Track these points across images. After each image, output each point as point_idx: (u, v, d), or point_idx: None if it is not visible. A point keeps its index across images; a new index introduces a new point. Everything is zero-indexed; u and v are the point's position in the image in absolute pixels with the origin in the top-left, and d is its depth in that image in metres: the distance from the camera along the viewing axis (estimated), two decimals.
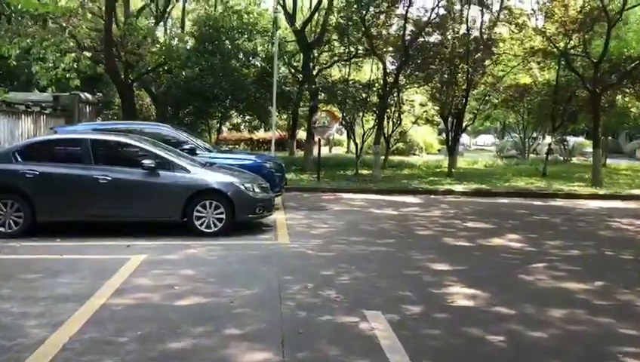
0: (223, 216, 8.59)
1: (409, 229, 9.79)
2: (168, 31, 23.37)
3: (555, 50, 18.26)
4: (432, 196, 15.06)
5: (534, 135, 35.23)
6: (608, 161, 26.61)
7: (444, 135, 41.69)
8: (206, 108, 18.13)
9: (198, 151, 11.01)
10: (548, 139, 32.87)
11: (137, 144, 9.05)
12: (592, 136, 35.26)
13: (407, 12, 17.41)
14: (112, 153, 9.13)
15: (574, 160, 29.04)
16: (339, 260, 7.36)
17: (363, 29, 17.52)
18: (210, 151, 11.46)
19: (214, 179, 8.80)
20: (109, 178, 8.44)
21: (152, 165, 8.53)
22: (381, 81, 20.01)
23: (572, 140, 33.12)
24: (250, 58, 20.70)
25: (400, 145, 26.31)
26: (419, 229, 9.85)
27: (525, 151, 28.42)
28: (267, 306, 5.43)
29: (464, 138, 41.48)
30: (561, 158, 30.02)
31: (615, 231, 10.33)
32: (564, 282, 6.64)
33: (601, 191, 15.99)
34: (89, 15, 14.18)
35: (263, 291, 5.90)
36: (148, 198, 8.61)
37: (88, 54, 13.13)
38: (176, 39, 18.74)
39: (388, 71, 18.01)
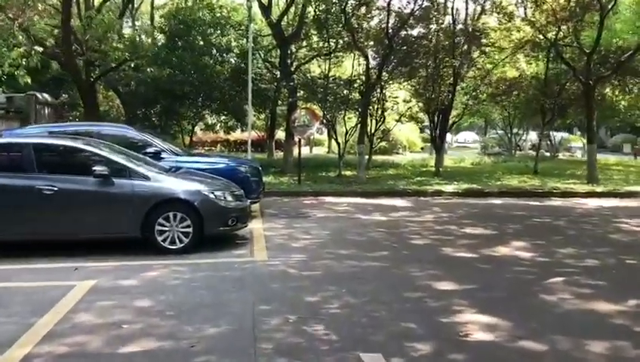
0: (190, 229, 7.42)
1: (402, 238, 8.71)
2: (137, 28, 22.03)
3: (544, 40, 17.39)
4: (422, 198, 14.05)
5: (519, 131, 34.71)
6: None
7: (428, 132, 41.40)
8: (175, 107, 16.81)
9: (163, 155, 9.84)
10: (532, 135, 32.33)
11: (89, 148, 7.83)
12: (578, 131, 34.99)
13: (389, 3, 16.35)
14: (59, 160, 7.90)
15: (561, 156, 28.30)
16: (326, 281, 6.24)
17: (343, 20, 16.43)
18: (178, 154, 10.26)
19: (179, 187, 7.63)
20: (55, 188, 7.21)
21: (105, 172, 7.31)
22: (363, 77, 19.01)
23: (556, 135, 32.57)
24: (224, 54, 19.45)
25: (383, 143, 25.30)
26: (413, 238, 8.79)
27: (512, 147, 27.59)
28: (237, 351, 4.30)
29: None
30: (548, 154, 29.36)
31: (627, 235, 9.38)
32: (592, 302, 5.61)
33: (599, 189, 15.15)
34: (43, 7, 12.84)
35: (233, 328, 4.76)
36: (101, 211, 7.41)
37: (40, 49, 11.79)
38: (143, 34, 17.43)
39: (370, 66, 16.92)
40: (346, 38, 17.35)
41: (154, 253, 7.31)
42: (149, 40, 17.12)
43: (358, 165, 16.14)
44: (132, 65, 16.36)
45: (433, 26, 18.47)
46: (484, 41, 16.87)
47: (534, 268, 6.96)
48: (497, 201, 13.46)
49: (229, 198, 7.77)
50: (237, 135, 31.72)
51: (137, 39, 16.62)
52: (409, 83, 19.70)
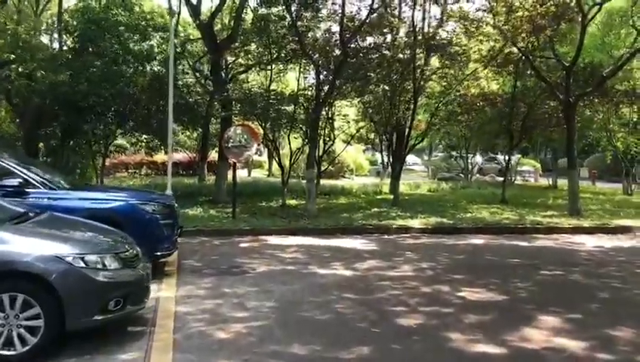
0: (40, 322, 4.37)
1: (383, 315, 5.93)
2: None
3: (515, 52, 15.33)
4: (386, 236, 11.43)
5: (465, 154, 32.98)
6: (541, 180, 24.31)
7: (379, 155, 39.11)
8: (77, 123, 13.40)
9: (29, 190, 6.69)
10: (478, 158, 30.58)
11: None
12: (536, 155, 33.53)
13: (343, 4, 13.77)
14: None
15: (518, 180, 26.52)
16: None
17: (289, 23, 13.76)
18: (55, 188, 7.11)
19: (23, 249, 4.53)
20: None
21: None
22: (309, 92, 16.36)
23: (502, 158, 31.03)
24: (145, 62, 16.29)
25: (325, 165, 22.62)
26: (398, 313, 6.00)
27: (467, 172, 25.59)
28: None
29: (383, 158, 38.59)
30: (499, 179, 27.65)
31: None
32: None
33: (585, 223, 13.04)
34: None
35: None
36: None
37: None
38: (35, 32, 14.07)
39: (321, 78, 14.24)
40: (291, 44, 14.64)
41: None
42: (34, 37, 13.72)
43: (306, 194, 13.36)
44: (20, 70, 12.92)
45: (388, 36, 16.17)
46: (449, 49, 14.51)
47: None
48: (478, 241, 11.01)
49: (113, 265, 4.73)
50: (165, 156, 28.37)
51: (24, 35, 13.16)
52: (361, 100, 17.23)
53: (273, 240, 10.71)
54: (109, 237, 5.27)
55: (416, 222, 12.50)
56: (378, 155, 39.53)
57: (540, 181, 28.31)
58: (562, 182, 24.06)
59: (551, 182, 23.55)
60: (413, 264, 8.55)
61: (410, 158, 46.71)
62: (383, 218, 13.00)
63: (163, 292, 6.51)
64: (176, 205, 8.16)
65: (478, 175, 28.67)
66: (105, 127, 14.81)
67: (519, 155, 28.95)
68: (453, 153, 35.00)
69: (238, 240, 10.69)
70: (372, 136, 22.01)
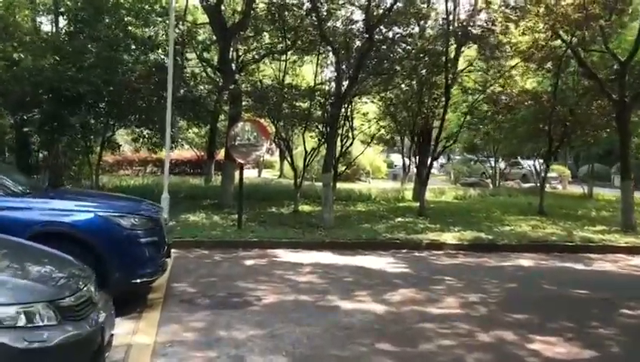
0: None
1: None
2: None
3: (559, 45, 13.61)
4: (417, 253, 9.77)
5: (484, 158, 31.05)
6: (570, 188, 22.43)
7: (395, 157, 37.21)
8: (62, 113, 11.77)
9: None
10: (501, 163, 28.71)
11: None
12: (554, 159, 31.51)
13: None
14: None
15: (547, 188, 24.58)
16: None
17: (307, 7, 12.13)
18: (11, 194, 5.53)
19: None
20: None
21: None
22: (328, 86, 14.73)
23: (526, 163, 29.15)
24: (148, 50, 14.73)
25: (341, 168, 20.91)
26: None
27: (496, 178, 23.78)
28: None
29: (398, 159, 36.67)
30: (526, 186, 25.83)
31: None
32: None
33: None
34: None
35: None
36: None
37: None
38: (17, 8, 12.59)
39: (342, 70, 12.54)
40: (309, 32, 12.99)
41: None
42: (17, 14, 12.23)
43: (323, 201, 11.70)
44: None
45: (416, 26, 14.50)
46: (488, 40, 12.74)
47: None
48: (526, 262, 9.33)
49: (45, 319, 3.12)
50: (173, 154, 26.80)
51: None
52: (384, 96, 15.54)
53: (284, 255, 9.10)
54: (49, 271, 3.65)
55: (449, 237, 10.82)
56: (393, 157, 38.00)
57: (568, 188, 26.40)
58: (597, 191, 22.33)
59: (586, 191, 21.64)
60: (458, 295, 6.87)
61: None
62: (410, 230, 11.32)
63: (138, 336, 4.91)
64: (165, 217, 6.55)
65: (511, 182, 26.89)
66: (96, 119, 13.22)
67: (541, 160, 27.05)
68: (473, 157, 33.30)
69: (243, 254, 9.08)
70: (393, 136, 20.29)
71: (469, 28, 13.01)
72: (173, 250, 8.87)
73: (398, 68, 13.89)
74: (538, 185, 24.47)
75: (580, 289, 7.44)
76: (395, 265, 8.66)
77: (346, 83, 12.56)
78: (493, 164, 28.26)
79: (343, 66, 12.54)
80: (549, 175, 26.76)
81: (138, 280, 5.57)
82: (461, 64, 14.06)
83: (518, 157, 27.77)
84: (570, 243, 10.85)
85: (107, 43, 12.89)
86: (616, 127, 15.44)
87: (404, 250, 9.95)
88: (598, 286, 7.65)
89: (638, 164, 31.80)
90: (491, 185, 25.34)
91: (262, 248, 9.57)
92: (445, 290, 7.12)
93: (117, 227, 5.44)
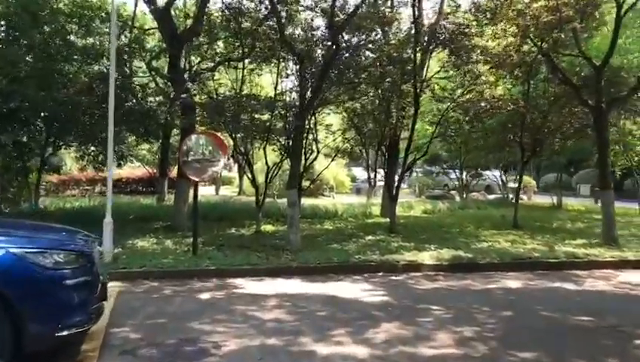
0: None
1: None
2: None
3: (530, 49, 13.04)
4: (394, 277, 8.83)
5: (448, 169, 30.54)
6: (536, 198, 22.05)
7: (356, 171, 36.27)
8: None
9: None
10: (464, 175, 28.16)
11: None
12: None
13: None
14: None
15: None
16: None
17: (265, 7, 11.14)
18: None
19: None
20: None
21: None
22: (289, 97, 13.72)
23: (489, 174, 28.79)
24: (91, 60, 13.46)
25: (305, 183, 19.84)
26: None
27: (463, 190, 23.19)
28: None
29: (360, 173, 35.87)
30: (491, 197, 25.40)
31: None
32: None
33: (629, 255, 10.66)
34: None
35: None
36: None
37: None
38: None
39: (306, 78, 11.57)
40: (269, 34, 12.00)
41: None
42: None
43: (288, 221, 10.63)
44: None
45: (379, 34, 13.70)
46: (457, 43, 12.00)
47: None
48: (513, 283, 8.50)
49: None
50: (125, 171, 25.31)
51: None
52: (350, 106, 14.68)
53: (246, 285, 8.00)
54: None
55: (426, 256, 9.90)
56: (355, 170, 37.19)
57: (534, 199, 26.08)
58: (564, 201, 22.02)
59: (555, 201, 21.25)
60: (450, 330, 5.91)
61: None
62: (384, 250, 10.37)
63: None
64: (100, 249, 5.36)
65: (474, 193, 26.36)
66: (31, 137, 11.84)
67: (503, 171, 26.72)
68: (435, 169, 32.76)
69: (198, 286, 7.93)
70: (358, 149, 19.46)
71: (438, 33, 12.30)
72: (116, 284, 7.71)
73: (363, 76, 13.05)
74: (504, 196, 24.17)
75: (582, 316, 6.60)
76: (373, 292, 7.67)
77: (309, 93, 11.63)
78: (456, 176, 27.79)
79: (306, 75, 11.58)
80: (510, 185, 26.55)
81: (64, 333, 4.40)
82: (430, 71, 13.31)
83: (478, 168, 27.29)
84: (554, 260, 10.10)
85: (43, 52, 11.60)
86: (589, 135, 15.12)
87: (379, 273, 8.98)
88: (599, 311, 6.82)
89: (594, 173, 32.02)
90: (457, 198, 24.78)
91: (220, 277, 8.45)
92: (434, 323, 6.16)
93: (34, 267, 4.26)
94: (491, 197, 26.98)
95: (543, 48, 12.61)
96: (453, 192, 27.62)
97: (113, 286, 7.63)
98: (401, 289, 7.88)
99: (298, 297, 7.25)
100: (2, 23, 12.84)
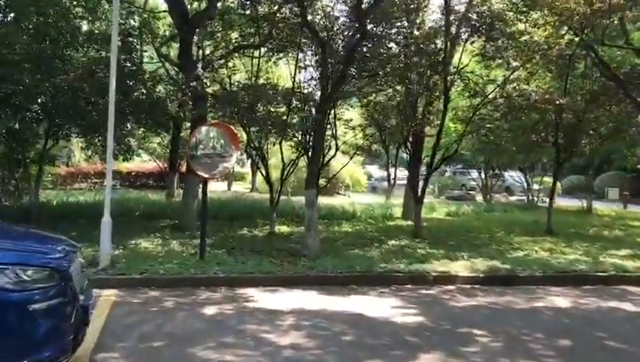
0: None
1: None
2: None
3: (574, 41, 11.92)
4: (424, 291, 7.82)
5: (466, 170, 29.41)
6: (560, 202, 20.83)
7: (371, 169, 35.21)
8: None
9: None
10: (475, 174, 26.97)
11: None
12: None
13: None
14: None
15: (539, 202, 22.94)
16: None
17: None
18: None
19: None
20: None
21: None
22: (307, 89, 12.70)
23: (508, 176, 27.61)
24: (97, 45, 12.55)
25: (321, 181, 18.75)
26: None
27: (487, 191, 22.08)
28: None
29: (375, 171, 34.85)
30: (513, 199, 24.25)
31: None
32: None
33: None
34: None
35: None
36: None
37: None
38: None
39: (330, 66, 10.52)
40: (289, 19, 11.02)
41: None
42: None
43: (306, 224, 9.65)
44: None
45: (405, 22, 12.65)
46: (495, 32, 10.92)
47: None
48: (561, 302, 7.47)
49: None
50: (134, 165, 24.49)
51: None
52: (374, 99, 13.68)
53: (259, 297, 7.04)
54: None
55: (459, 267, 8.90)
56: (370, 168, 36.15)
57: (558, 203, 24.78)
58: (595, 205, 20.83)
59: (584, 206, 20.05)
60: None
61: (402, 173, 43.38)
62: (411, 258, 9.35)
63: None
64: (81, 261, 4.39)
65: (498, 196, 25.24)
66: (24, 125, 10.95)
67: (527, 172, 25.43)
68: (452, 169, 31.66)
69: (204, 297, 7.00)
70: (376, 146, 18.44)
71: (472, 20, 11.24)
72: (112, 292, 6.81)
73: (388, 69, 12.02)
74: (529, 198, 22.98)
75: None
76: (404, 310, 6.67)
77: (330, 83, 10.61)
78: (475, 176, 26.65)
79: (329, 63, 10.55)
80: (535, 187, 25.32)
81: None
82: (461, 63, 12.24)
83: (497, 169, 25.99)
84: (602, 274, 9.04)
85: (45, 35, 10.69)
86: (625, 135, 14.03)
87: (407, 286, 8.00)
88: None
89: (614, 176, 30.69)
90: (478, 199, 23.71)
91: (230, 286, 7.51)
92: (483, 355, 5.16)
93: None
94: (513, 198, 25.85)
95: (584, 39, 11.51)
96: (472, 193, 26.54)
97: (108, 295, 6.75)
98: (436, 307, 6.88)
99: (318, 315, 6.28)
100: (1, 3, 11.93)
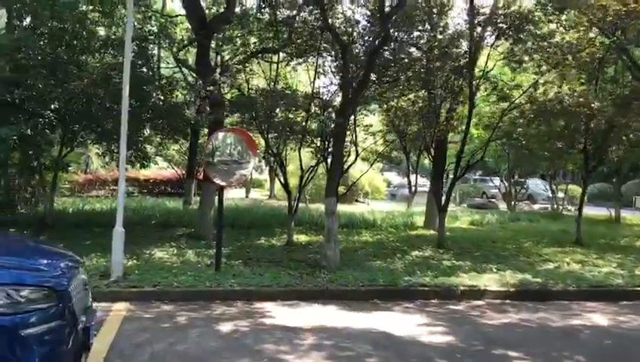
0: None
1: None
2: None
3: (604, 43, 11.40)
4: (452, 306, 7.37)
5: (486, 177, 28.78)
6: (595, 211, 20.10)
7: (390, 176, 34.67)
8: None
9: None
10: (496, 181, 26.36)
11: None
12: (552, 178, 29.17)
13: None
14: None
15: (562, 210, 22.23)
16: None
17: None
18: None
19: None
20: None
21: None
22: (329, 93, 12.36)
23: (530, 183, 26.90)
24: (113, 51, 12.34)
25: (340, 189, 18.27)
26: None
27: (511, 199, 21.47)
28: None
29: (394, 178, 34.34)
30: (536, 207, 23.63)
31: None
32: None
33: None
34: None
35: None
36: None
37: None
38: None
39: (351, 70, 10.14)
40: (309, 23, 10.69)
41: None
42: None
43: (326, 234, 9.26)
44: None
45: (428, 26, 12.24)
46: (523, 33, 10.45)
47: None
48: (600, 319, 6.96)
49: None
50: (151, 172, 24.33)
51: None
52: (396, 104, 13.29)
53: (276, 312, 6.66)
54: None
55: (487, 280, 8.42)
56: (388, 175, 35.63)
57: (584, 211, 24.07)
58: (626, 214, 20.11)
59: (613, 215, 19.35)
60: None
61: (420, 180, 42.68)
62: (436, 270, 8.92)
63: None
64: (84, 278, 4.04)
65: (523, 203, 24.58)
66: (36, 132, 10.71)
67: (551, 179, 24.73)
68: (472, 176, 31.03)
69: (219, 312, 6.63)
70: (397, 153, 18.02)
71: (499, 22, 10.79)
72: (122, 306, 6.49)
73: (409, 73, 11.65)
74: (553, 206, 22.31)
75: None
76: (432, 328, 6.24)
77: (351, 88, 10.23)
78: (497, 184, 26.07)
79: (350, 67, 10.17)
80: (559, 195, 24.62)
81: None
82: (487, 67, 11.78)
83: (517, 176, 25.31)
84: (638, 288, 8.51)
85: (61, 41, 10.48)
86: None
87: (434, 301, 7.56)
88: None
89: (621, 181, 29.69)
90: (501, 207, 23.09)
91: (246, 300, 7.14)
92: None
93: None
94: (536, 207, 25.21)
95: (617, 42, 10.99)
96: (494, 200, 25.95)
97: (118, 310, 6.43)
98: (466, 325, 6.43)
99: (340, 333, 5.88)
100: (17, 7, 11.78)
